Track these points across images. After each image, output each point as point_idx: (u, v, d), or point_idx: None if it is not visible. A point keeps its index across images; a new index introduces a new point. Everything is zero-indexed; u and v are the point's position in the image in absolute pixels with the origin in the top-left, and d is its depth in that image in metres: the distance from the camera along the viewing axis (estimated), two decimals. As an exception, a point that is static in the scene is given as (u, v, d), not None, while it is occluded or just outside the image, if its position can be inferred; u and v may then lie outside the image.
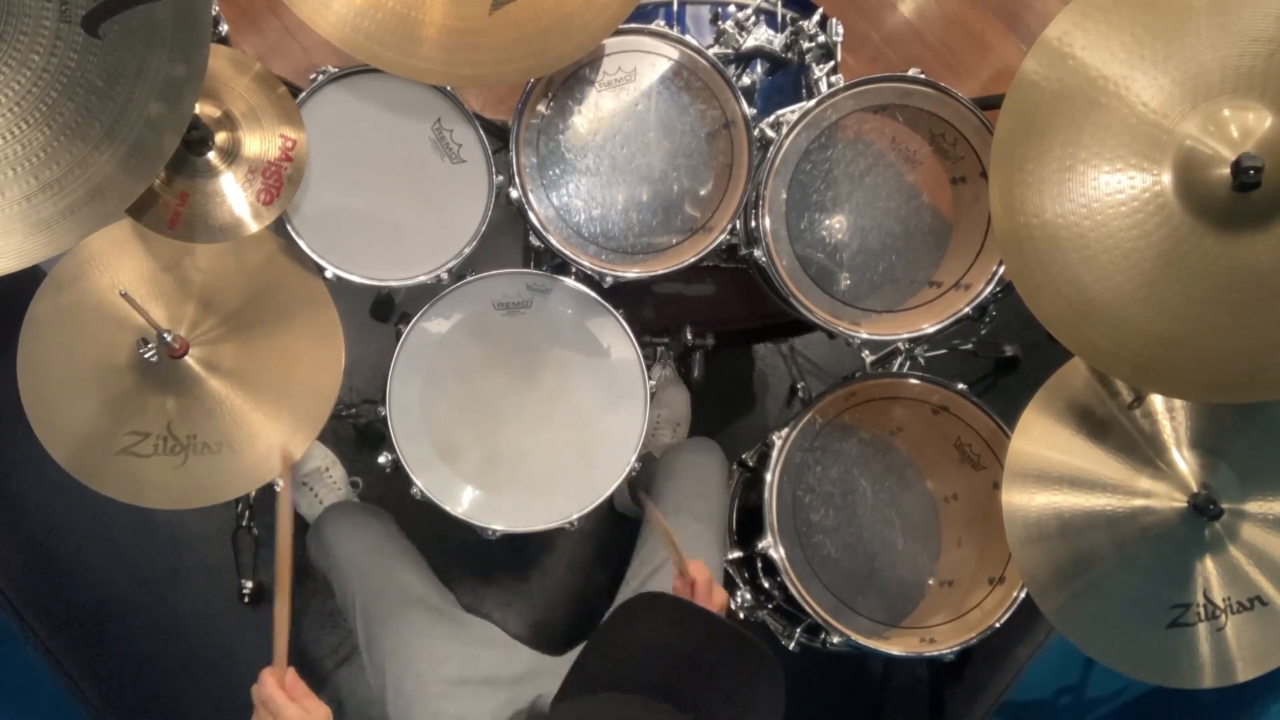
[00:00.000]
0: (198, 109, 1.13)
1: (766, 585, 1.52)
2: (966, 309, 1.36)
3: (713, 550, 1.46)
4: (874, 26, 2.44)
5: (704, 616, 0.91)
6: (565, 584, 1.99)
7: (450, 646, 1.28)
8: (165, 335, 1.15)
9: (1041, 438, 1.26)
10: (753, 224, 1.34)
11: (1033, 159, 1.07)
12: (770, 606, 1.57)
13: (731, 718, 0.78)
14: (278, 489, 1.87)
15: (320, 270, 1.27)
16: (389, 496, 1.81)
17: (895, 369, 1.59)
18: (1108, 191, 1.04)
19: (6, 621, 1.82)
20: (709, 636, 0.84)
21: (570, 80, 1.34)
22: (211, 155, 1.17)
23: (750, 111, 1.32)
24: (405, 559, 1.47)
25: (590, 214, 1.37)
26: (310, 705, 0.95)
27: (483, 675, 1.24)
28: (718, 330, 1.76)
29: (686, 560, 1.13)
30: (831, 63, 1.54)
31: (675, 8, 1.49)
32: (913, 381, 1.48)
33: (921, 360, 1.62)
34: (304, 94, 1.26)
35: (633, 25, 1.31)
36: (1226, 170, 0.98)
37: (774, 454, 1.44)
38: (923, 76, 1.31)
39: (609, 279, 1.33)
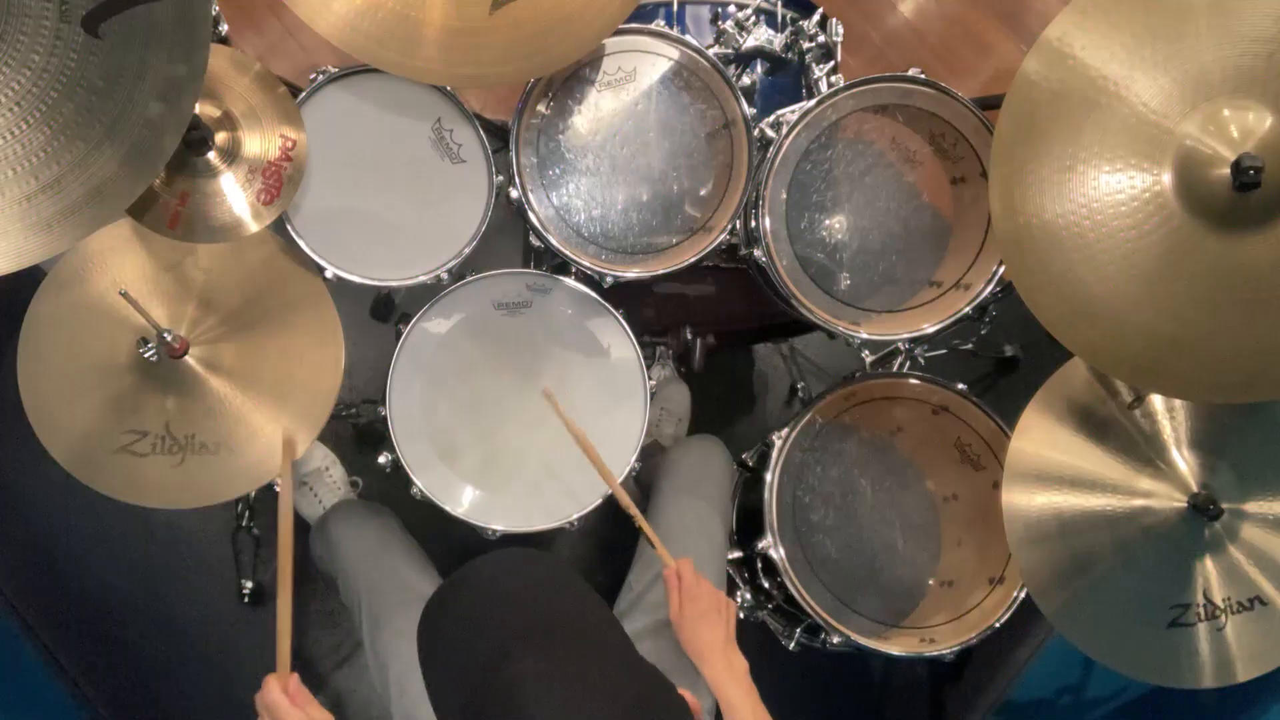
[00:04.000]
0: (198, 109, 1.13)
1: (766, 585, 1.52)
2: (966, 309, 1.36)
3: (718, 539, 1.46)
4: (874, 26, 2.44)
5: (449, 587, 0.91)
6: (565, 584, 1.99)
7: None
8: (165, 335, 1.15)
9: (1041, 438, 1.26)
10: (753, 224, 1.34)
11: (1033, 159, 1.07)
12: (770, 606, 1.57)
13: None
14: (277, 489, 1.88)
15: (320, 270, 1.27)
16: (389, 496, 1.81)
17: (895, 369, 1.59)
18: (1108, 191, 1.04)
19: (7, 621, 1.82)
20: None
21: (570, 80, 1.35)
22: (211, 155, 1.17)
23: (750, 111, 1.32)
24: (410, 557, 1.47)
25: (590, 214, 1.37)
26: (313, 712, 0.96)
27: None
28: (718, 330, 1.76)
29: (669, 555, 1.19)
30: (831, 63, 1.54)
31: (675, 8, 1.49)
32: (913, 381, 1.48)
33: (921, 360, 1.61)
34: (304, 94, 1.26)
35: (633, 25, 1.31)
36: (1226, 170, 0.98)
37: (774, 454, 1.44)
38: (923, 76, 1.31)
39: (609, 279, 1.33)
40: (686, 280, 1.55)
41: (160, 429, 1.20)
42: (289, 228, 1.26)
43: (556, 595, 0.84)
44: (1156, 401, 1.25)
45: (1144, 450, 1.24)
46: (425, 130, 1.30)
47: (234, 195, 1.17)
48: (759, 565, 1.50)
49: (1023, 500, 1.25)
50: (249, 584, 1.87)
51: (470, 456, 1.37)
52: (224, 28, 1.37)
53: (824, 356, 2.16)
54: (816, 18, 1.50)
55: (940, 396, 1.48)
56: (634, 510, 1.26)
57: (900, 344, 1.50)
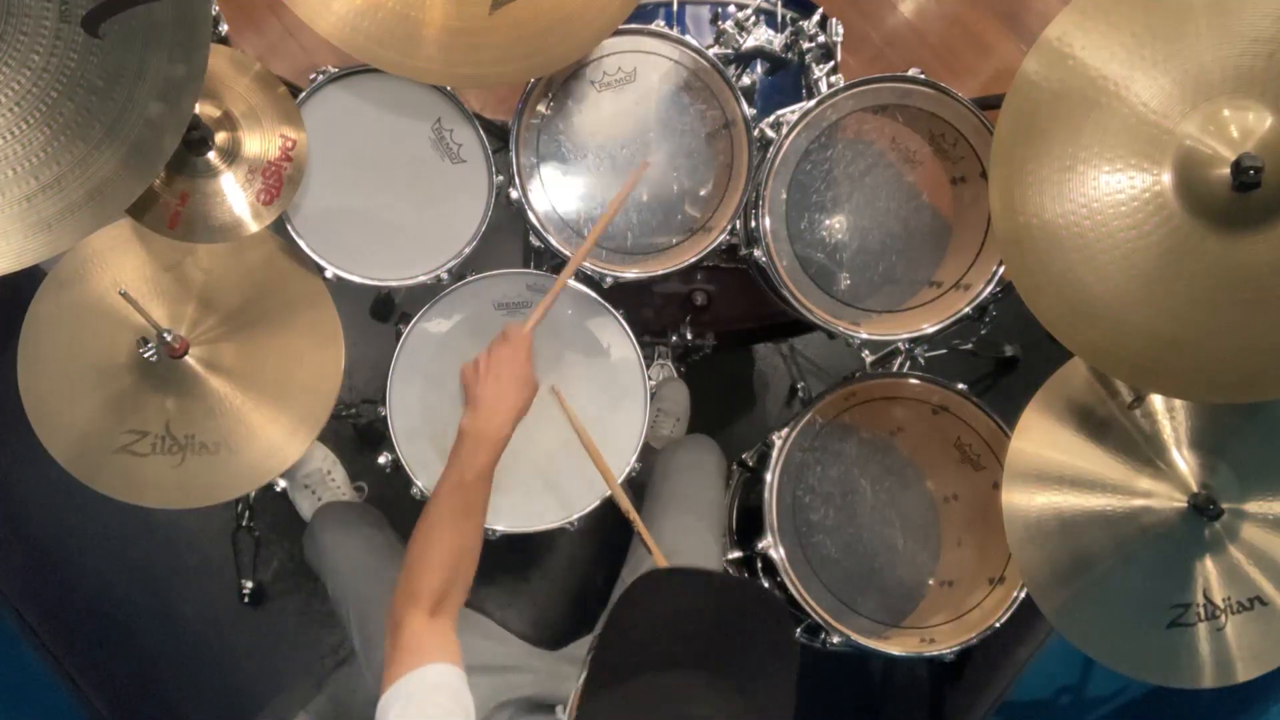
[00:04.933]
0: (198, 109, 1.13)
1: (766, 585, 1.52)
2: (966, 309, 1.36)
3: (711, 546, 1.46)
4: (874, 26, 2.44)
5: (708, 576, 0.90)
6: (565, 584, 1.99)
7: None
8: (165, 335, 1.15)
9: (1041, 438, 1.26)
10: (753, 224, 1.34)
11: (1033, 159, 1.07)
12: (770, 606, 1.57)
13: (759, 667, 0.77)
14: (278, 489, 1.88)
15: (320, 270, 1.27)
16: (389, 496, 1.82)
17: (895, 369, 1.59)
18: (1108, 191, 1.04)
19: (7, 621, 1.82)
20: (721, 592, 0.82)
21: (570, 80, 1.35)
22: (211, 155, 1.17)
23: (750, 111, 1.32)
24: (397, 558, 1.47)
25: (590, 214, 1.37)
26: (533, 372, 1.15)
27: (479, 664, 1.24)
28: (718, 330, 1.76)
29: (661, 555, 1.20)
30: (831, 63, 1.54)
31: (675, 8, 1.49)
32: (913, 381, 1.48)
33: (921, 360, 1.61)
34: (304, 94, 1.26)
35: (633, 25, 1.31)
36: (1226, 170, 0.98)
37: (774, 454, 1.44)
38: (923, 76, 1.30)
39: (609, 279, 1.33)
40: (686, 280, 1.55)
41: (160, 429, 1.20)
42: (289, 228, 1.26)
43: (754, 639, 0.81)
44: (1156, 401, 1.25)
45: (1144, 450, 1.24)
46: (425, 130, 1.30)
47: (234, 195, 1.17)
48: (759, 565, 1.50)
49: (1023, 500, 1.24)
50: (249, 584, 1.87)
51: (470, 456, 1.37)
52: (224, 28, 1.37)
53: (824, 356, 2.16)
54: (816, 18, 1.50)
55: (940, 396, 1.48)
56: (633, 514, 1.25)
57: (900, 344, 1.50)
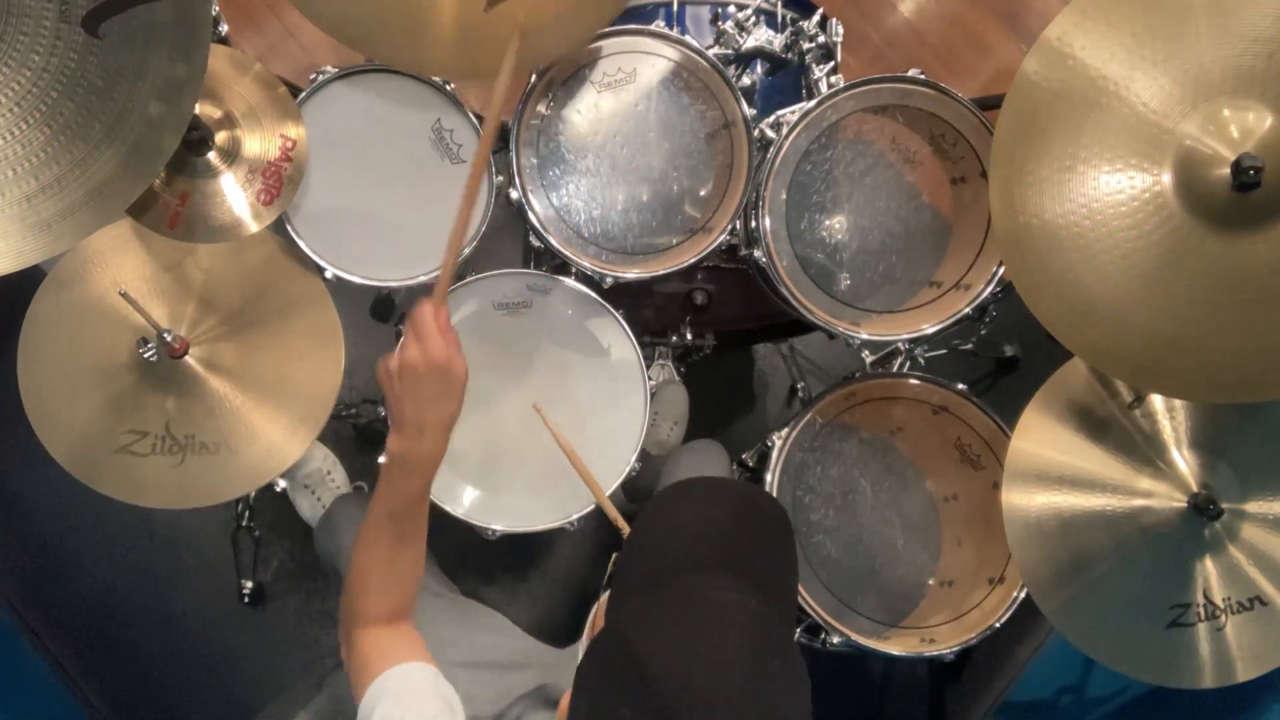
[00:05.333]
0: (198, 109, 1.13)
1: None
2: (966, 309, 1.36)
3: None
4: (874, 26, 2.43)
5: (722, 485, 0.90)
6: (565, 583, 1.99)
7: (456, 632, 1.29)
8: (165, 335, 1.15)
9: (1041, 438, 1.26)
10: (753, 224, 1.34)
11: (1033, 159, 1.07)
12: (770, 606, 1.57)
13: (772, 565, 0.80)
14: (278, 489, 1.88)
15: (320, 270, 1.27)
16: (389, 496, 1.81)
17: (895, 369, 1.59)
18: (1108, 191, 1.04)
19: (6, 621, 1.82)
20: (734, 499, 0.84)
21: (570, 81, 1.34)
22: (211, 155, 1.17)
23: (750, 112, 1.32)
24: None
25: (590, 214, 1.37)
26: (455, 355, 0.93)
27: (487, 660, 1.25)
28: (718, 330, 1.76)
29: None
30: (831, 63, 1.54)
31: (675, 8, 1.49)
32: (913, 381, 1.48)
33: (921, 360, 1.61)
34: (304, 94, 1.26)
35: (632, 26, 1.31)
36: (1226, 170, 0.98)
37: (774, 454, 1.44)
38: (923, 77, 1.30)
39: (609, 279, 1.33)
40: (686, 280, 1.55)
41: (160, 429, 1.20)
42: (289, 228, 1.26)
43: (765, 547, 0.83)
44: (1156, 401, 1.25)
45: (1144, 450, 1.24)
46: (425, 130, 1.30)
47: (234, 195, 1.17)
48: (759, 565, 1.50)
49: (1023, 500, 1.24)
50: (249, 584, 1.87)
51: (470, 456, 1.37)
52: (224, 28, 1.37)
53: (824, 356, 2.16)
54: (816, 18, 1.50)
55: (940, 396, 1.48)
56: (621, 523, 1.25)
57: (900, 344, 1.50)
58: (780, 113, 1.42)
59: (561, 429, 1.39)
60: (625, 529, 1.23)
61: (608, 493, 1.36)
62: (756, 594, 0.73)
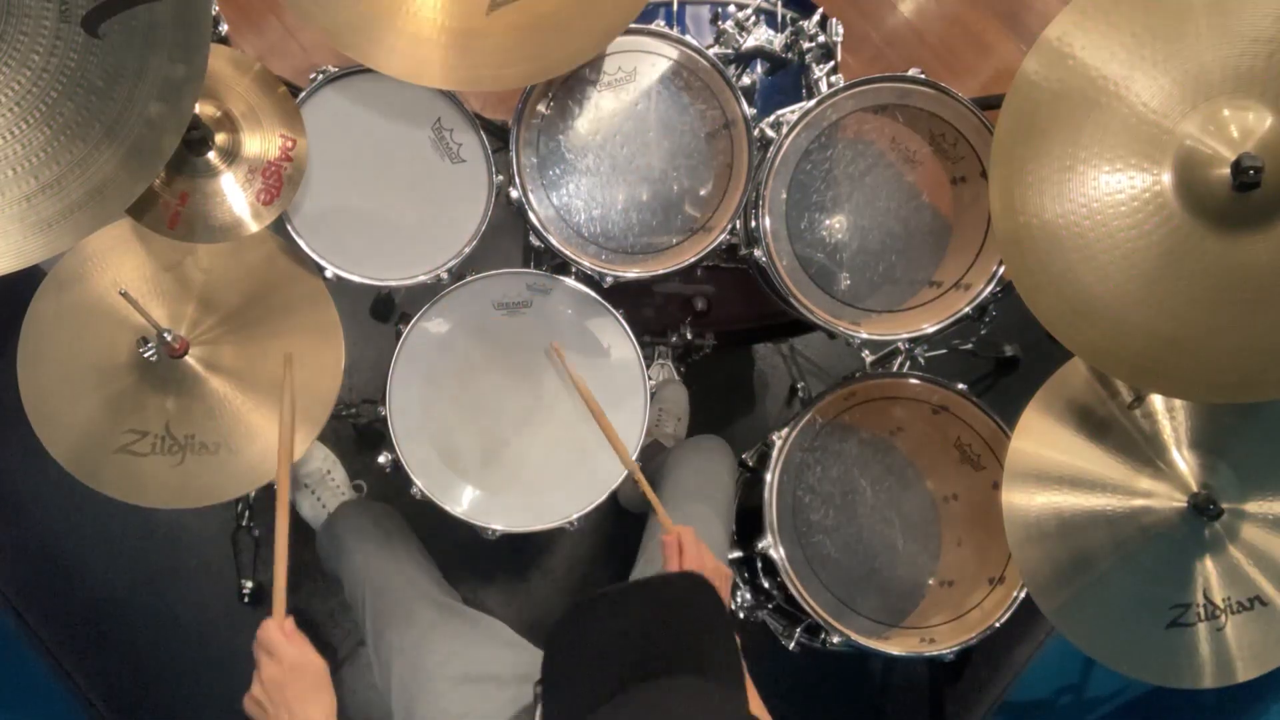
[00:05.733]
0: (198, 109, 1.13)
1: (766, 585, 1.52)
2: (966, 309, 1.36)
3: (721, 537, 1.46)
4: (874, 26, 2.44)
5: (628, 589, 0.91)
6: (565, 584, 1.99)
7: (456, 644, 1.28)
8: (165, 334, 1.15)
9: (1041, 438, 1.26)
10: (753, 224, 1.34)
11: (1033, 159, 1.07)
12: (770, 606, 1.57)
13: (708, 647, 0.80)
14: (277, 489, 1.87)
15: (320, 270, 1.27)
16: (389, 496, 1.81)
17: (895, 369, 1.59)
18: (1108, 191, 1.04)
19: (6, 621, 1.82)
20: (647, 597, 0.85)
21: (570, 80, 1.34)
22: (211, 155, 1.17)
23: (750, 111, 1.32)
24: (416, 556, 1.48)
25: (590, 214, 1.37)
26: (308, 652, 0.98)
27: (488, 673, 1.24)
28: (718, 330, 1.76)
29: (671, 521, 1.19)
30: (831, 63, 1.54)
31: (675, 8, 1.49)
32: (913, 381, 1.48)
33: (921, 360, 1.61)
34: (304, 94, 1.26)
35: (633, 25, 1.31)
36: (1226, 170, 0.98)
37: (774, 454, 1.44)
38: (923, 76, 1.30)
39: (609, 279, 1.33)
40: (686, 280, 1.55)
41: (160, 429, 1.20)
42: (289, 228, 1.26)
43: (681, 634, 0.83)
44: (1156, 401, 1.25)
45: (1144, 450, 1.24)
46: (425, 130, 1.30)
47: (234, 195, 1.17)
48: (759, 565, 1.50)
49: (1023, 500, 1.25)
50: (249, 584, 1.87)
51: (470, 456, 1.37)
52: (224, 28, 1.37)
53: (824, 356, 2.16)
54: (816, 18, 1.50)
55: (940, 396, 1.48)
56: (639, 475, 1.25)
57: (900, 344, 1.50)
58: (780, 112, 1.42)
59: (563, 429, 1.39)
60: (642, 480, 1.25)
61: (607, 493, 1.36)
62: (702, 680, 0.73)
